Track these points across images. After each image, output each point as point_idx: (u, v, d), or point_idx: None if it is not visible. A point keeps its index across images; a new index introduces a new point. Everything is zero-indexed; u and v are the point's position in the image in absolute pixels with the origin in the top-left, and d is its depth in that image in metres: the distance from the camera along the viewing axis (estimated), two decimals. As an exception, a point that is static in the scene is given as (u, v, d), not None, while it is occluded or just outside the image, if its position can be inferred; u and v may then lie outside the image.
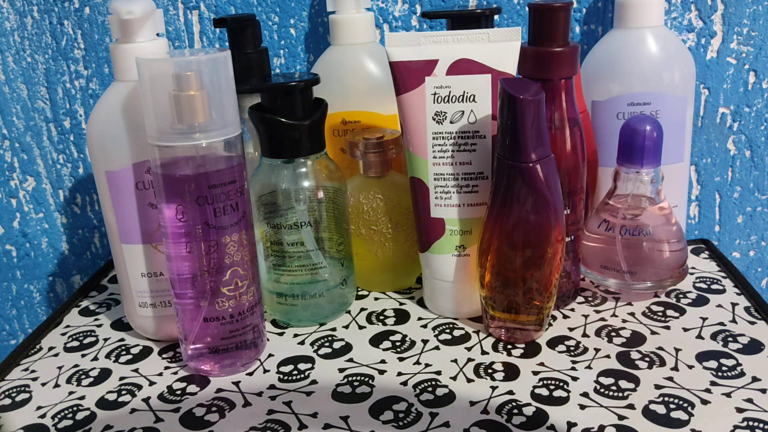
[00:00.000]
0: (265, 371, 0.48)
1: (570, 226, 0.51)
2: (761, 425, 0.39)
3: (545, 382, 0.44)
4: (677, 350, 0.47)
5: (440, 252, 0.51)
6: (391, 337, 0.51)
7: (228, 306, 0.46)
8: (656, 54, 0.56)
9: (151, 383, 0.47)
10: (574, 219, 0.51)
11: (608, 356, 0.46)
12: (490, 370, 0.46)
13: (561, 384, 0.44)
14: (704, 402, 0.41)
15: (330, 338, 0.51)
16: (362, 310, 0.55)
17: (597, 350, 0.47)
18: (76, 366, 0.50)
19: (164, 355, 0.51)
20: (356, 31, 0.59)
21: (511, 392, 0.43)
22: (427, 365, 0.47)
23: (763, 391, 0.42)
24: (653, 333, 0.49)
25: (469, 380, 0.45)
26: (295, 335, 0.52)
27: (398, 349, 0.49)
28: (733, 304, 0.52)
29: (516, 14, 0.65)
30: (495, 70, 0.47)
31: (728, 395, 0.42)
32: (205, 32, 0.67)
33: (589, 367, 0.45)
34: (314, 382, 0.46)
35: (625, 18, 0.57)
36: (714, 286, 0.55)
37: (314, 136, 0.50)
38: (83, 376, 0.49)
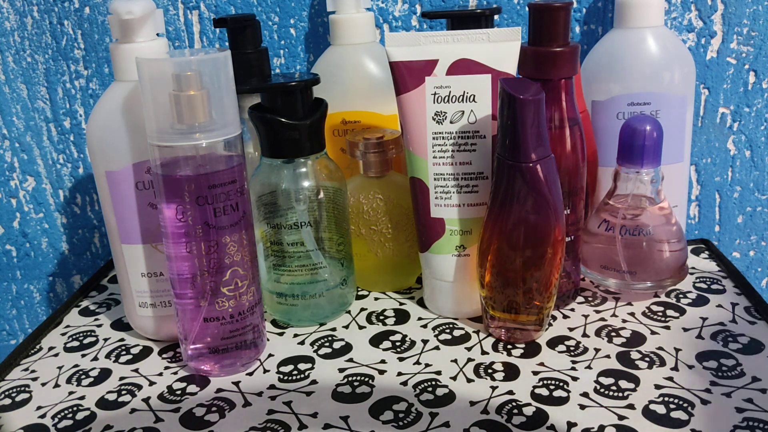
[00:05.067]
0: (265, 371, 0.48)
1: (570, 226, 0.51)
2: (761, 425, 0.39)
3: (545, 382, 0.44)
4: (677, 350, 0.47)
5: (440, 252, 0.51)
6: (391, 337, 0.51)
7: (228, 306, 0.46)
8: (656, 54, 0.56)
9: (151, 383, 0.47)
10: (574, 219, 0.51)
11: (608, 356, 0.46)
12: (490, 370, 0.46)
13: (561, 384, 0.44)
14: (704, 402, 0.41)
15: (330, 338, 0.51)
16: (362, 310, 0.55)
17: (597, 350, 0.47)
18: (76, 366, 0.50)
19: (164, 355, 0.51)
20: (356, 31, 0.59)
21: (511, 392, 0.43)
22: (427, 365, 0.47)
23: (763, 391, 0.42)
24: (653, 333, 0.49)
25: (469, 380, 0.45)
26: (295, 335, 0.52)
27: (398, 349, 0.49)
28: (733, 304, 0.52)
29: (516, 14, 0.65)
30: (495, 70, 0.47)
31: (728, 395, 0.42)
32: (205, 32, 0.67)
33: (589, 367, 0.45)
34: (314, 382, 0.46)
35: (625, 18, 0.57)
36: (714, 286, 0.55)
37: (314, 136, 0.50)
38: (83, 376, 0.49)
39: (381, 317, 0.54)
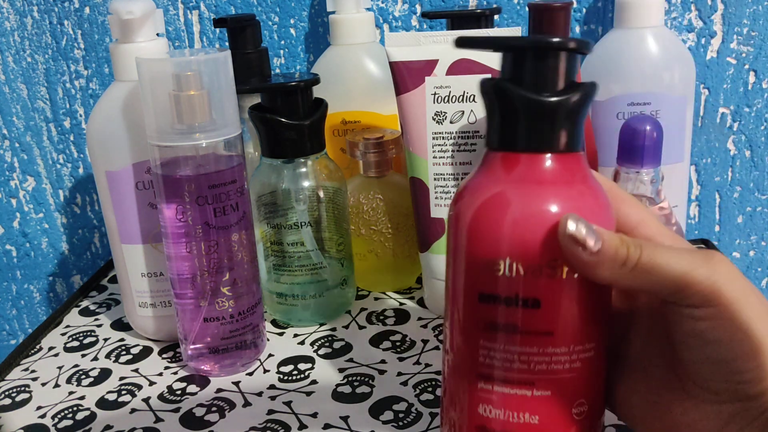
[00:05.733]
0: (265, 371, 0.48)
1: (570, 226, 0.51)
2: (761, 425, 0.39)
3: (545, 382, 0.44)
4: (677, 350, 0.47)
5: (440, 252, 0.51)
6: (391, 337, 0.51)
7: (228, 306, 0.46)
8: (656, 54, 0.56)
9: (151, 383, 0.47)
10: (574, 219, 0.51)
11: (608, 356, 0.46)
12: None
13: (561, 384, 0.44)
14: (704, 402, 0.41)
15: (330, 338, 0.51)
16: (362, 310, 0.55)
17: (597, 350, 0.47)
18: (76, 366, 0.50)
19: (164, 355, 0.51)
20: (356, 31, 0.59)
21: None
22: (427, 365, 0.47)
23: (763, 391, 0.42)
24: (653, 333, 0.49)
25: (469, 380, 0.45)
26: (295, 335, 0.52)
27: (398, 349, 0.49)
28: (733, 304, 0.52)
29: (516, 14, 0.65)
30: (495, 70, 0.47)
31: (728, 395, 0.42)
32: (205, 32, 0.67)
33: (589, 367, 0.45)
34: (314, 382, 0.46)
35: (625, 18, 0.57)
36: (714, 286, 0.55)
37: (314, 136, 0.50)
38: (83, 376, 0.49)
39: (381, 317, 0.54)
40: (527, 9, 0.59)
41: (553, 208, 0.26)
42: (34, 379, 0.49)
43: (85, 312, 0.59)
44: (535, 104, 0.26)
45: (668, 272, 0.25)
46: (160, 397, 0.45)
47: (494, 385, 0.27)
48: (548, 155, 0.27)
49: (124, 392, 0.46)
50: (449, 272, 0.29)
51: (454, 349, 0.29)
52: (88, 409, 0.45)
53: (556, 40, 0.26)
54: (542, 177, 0.27)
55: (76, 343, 0.53)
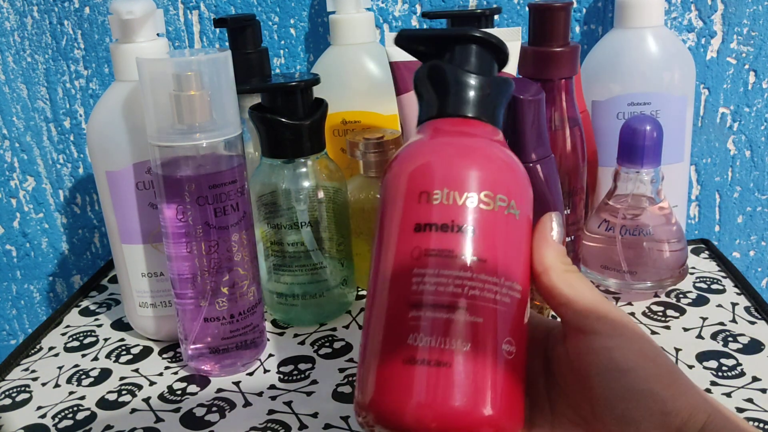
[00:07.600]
0: (266, 371, 0.48)
1: (570, 226, 0.51)
2: (761, 425, 0.39)
3: (545, 382, 0.44)
4: (677, 350, 0.47)
5: (440, 252, 0.51)
6: (392, 337, 0.51)
7: (228, 306, 0.46)
8: (656, 54, 0.56)
9: (152, 383, 0.47)
10: (574, 219, 0.51)
11: (608, 356, 0.46)
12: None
13: (561, 384, 0.44)
14: (704, 402, 0.41)
15: (330, 338, 0.51)
16: (362, 310, 0.55)
17: (597, 350, 0.47)
18: (76, 366, 0.50)
19: (164, 355, 0.51)
20: (356, 31, 0.59)
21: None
22: (427, 365, 0.47)
23: (763, 391, 0.42)
24: (653, 333, 0.49)
25: (469, 380, 0.45)
26: (295, 335, 0.52)
27: (398, 349, 0.49)
28: (733, 304, 0.52)
29: (516, 14, 0.65)
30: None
31: (728, 395, 0.42)
32: (205, 32, 0.67)
33: (589, 367, 0.45)
34: (314, 382, 0.46)
35: (625, 18, 0.57)
36: (714, 286, 0.55)
37: (314, 136, 0.50)
38: (83, 376, 0.49)
39: (381, 317, 0.54)
40: (527, 9, 0.59)
41: (485, 145, 0.29)
42: (35, 379, 0.49)
43: (85, 312, 0.59)
44: (461, 78, 0.30)
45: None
46: (161, 397, 0.45)
47: (426, 311, 0.27)
48: (469, 119, 0.29)
49: (124, 392, 0.46)
50: (379, 233, 0.29)
51: (380, 288, 0.30)
52: (88, 409, 0.45)
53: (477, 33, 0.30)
54: (466, 131, 0.29)
55: (76, 343, 0.53)
